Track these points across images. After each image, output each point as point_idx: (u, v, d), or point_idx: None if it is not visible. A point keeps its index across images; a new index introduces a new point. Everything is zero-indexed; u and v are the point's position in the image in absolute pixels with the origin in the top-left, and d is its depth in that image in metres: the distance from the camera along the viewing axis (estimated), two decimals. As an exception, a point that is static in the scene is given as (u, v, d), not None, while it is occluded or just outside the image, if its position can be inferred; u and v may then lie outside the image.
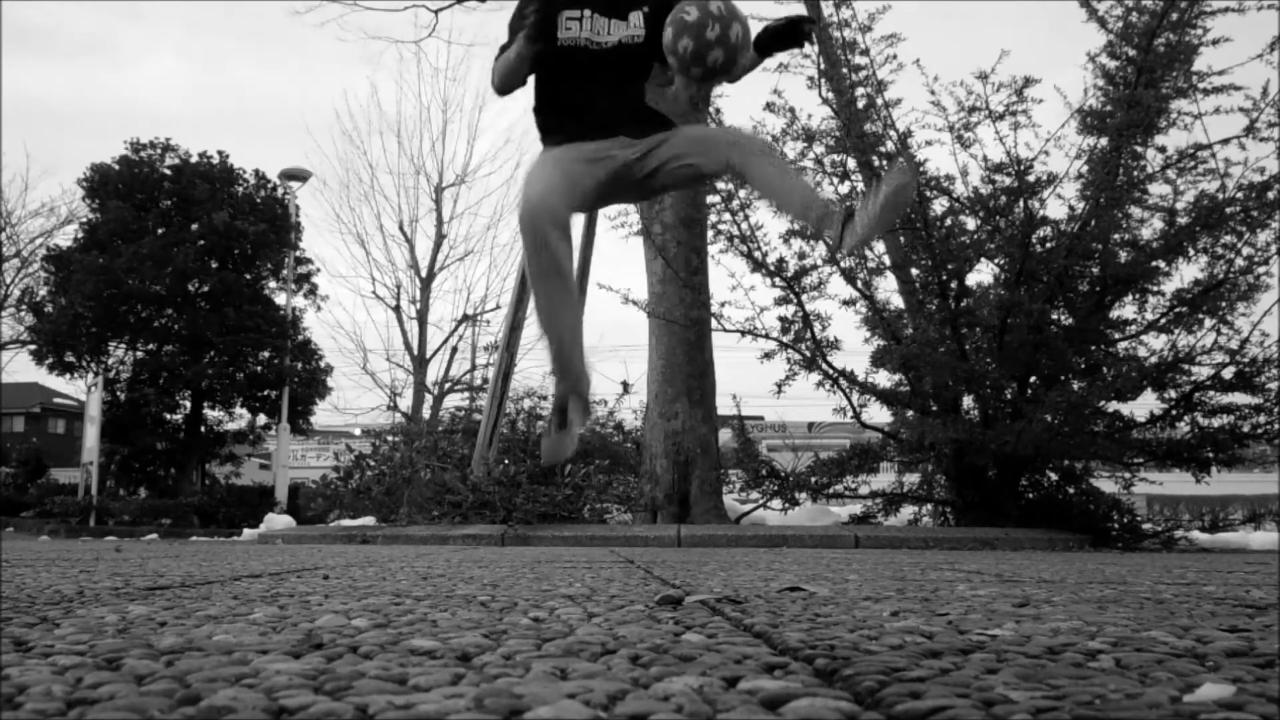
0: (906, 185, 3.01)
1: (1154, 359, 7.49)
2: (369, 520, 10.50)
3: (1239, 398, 7.43)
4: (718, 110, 8.55)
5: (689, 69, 3.21)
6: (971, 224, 7.80)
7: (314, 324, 67.94)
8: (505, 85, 3.57)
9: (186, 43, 65.52)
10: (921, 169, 7.63)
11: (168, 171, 21.19)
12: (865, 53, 7.78)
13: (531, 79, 3.71)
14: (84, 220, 21.43)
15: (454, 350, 26.33)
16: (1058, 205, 10.53)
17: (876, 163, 7.71)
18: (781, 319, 7.91)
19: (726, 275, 8.69)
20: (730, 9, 3.18)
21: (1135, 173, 7.47)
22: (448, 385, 25.88)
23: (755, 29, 3.31)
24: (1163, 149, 7.46)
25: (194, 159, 21.39)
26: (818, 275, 7.87)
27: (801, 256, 7.87)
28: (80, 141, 62.23)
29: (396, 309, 25.91)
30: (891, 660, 0.90)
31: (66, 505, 17.79)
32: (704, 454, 8.19)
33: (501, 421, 9.79)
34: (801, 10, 8.39)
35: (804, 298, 7.85)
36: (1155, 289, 7.52)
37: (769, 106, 7.78)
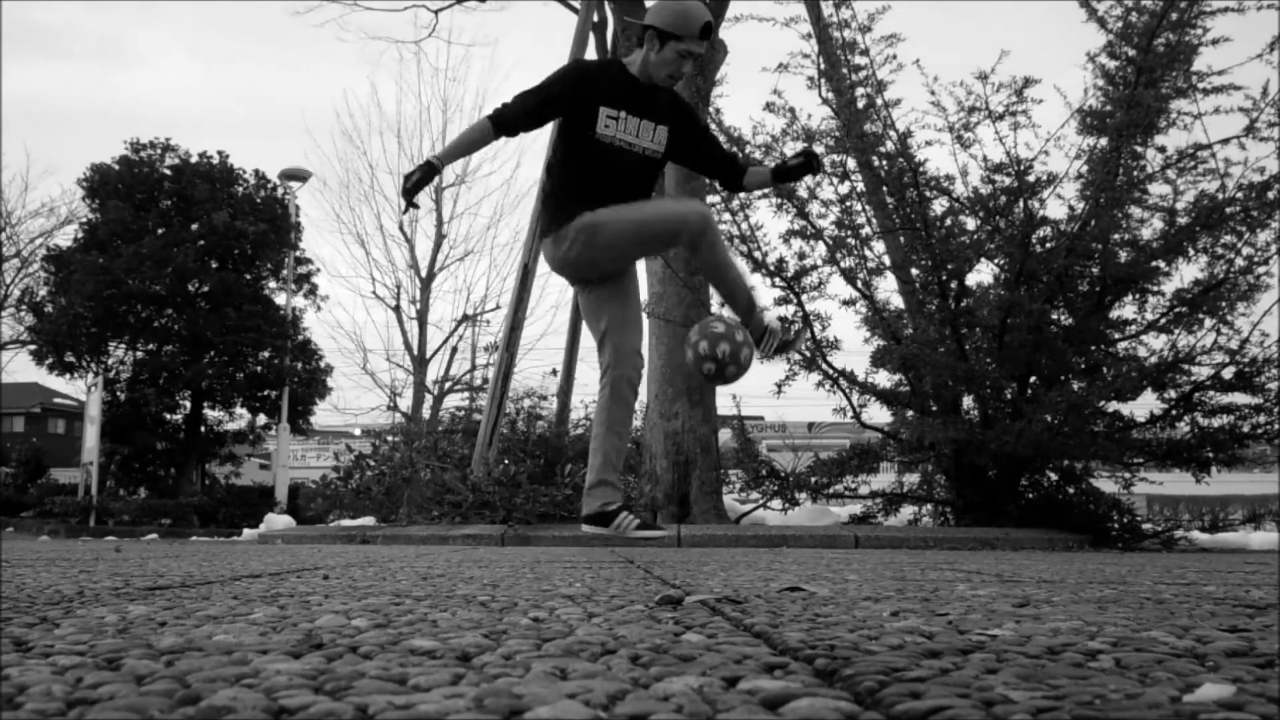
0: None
1: (1154, 359, 7.49)
2: (369, 520, 10.51)
3: (1239, 398, 7.43)
4: (718, 110, 8.56)
5: (703, 370, 3.64)
6: (971, 224, 7.80)
7: (314, 324, 68.03)
8: (464, 148, 3.85)
9: (189, 44, 65.57)
10: (921, 169, 7.64)
11: (168, 171, 21.20)
12: (865, 53, 7.79)
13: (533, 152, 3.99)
14: (84, 220, 21.44)
15: (454, 350, 26.36)
16: (1058, 205, 10.55)
17: (876, 163, 7.72)
18: (781, 319, 7.90)
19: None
20: (738, 343, 3.62)
21: (1135, 173, 7.47)
22: (448, 385, 25.90)
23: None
24: (1163, 149, 7.46)
25: (194, 159, 21.40)
26: (818, 275, 7.87)
27: (801, 256, 7.88)
28: (81, 141, 62.27)
29: (396, 309, 25.94)
30: (891, 660, 0.90)
31: (66, 505, 17.79)
32: (704, 454, 8.19)
33: (501, 421, 9.79)
34: (802, 11, 8.39)
35: (804, 298, 7.86)
36: (1155, 289, 7.52)
37: (769, 106, 7.79)
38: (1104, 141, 7.42)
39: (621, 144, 3.72)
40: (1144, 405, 7.78)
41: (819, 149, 7.84)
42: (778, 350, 3.84)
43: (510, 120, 3.76)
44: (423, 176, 3.69)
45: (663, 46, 3.66)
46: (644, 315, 4.19)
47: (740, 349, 3.60)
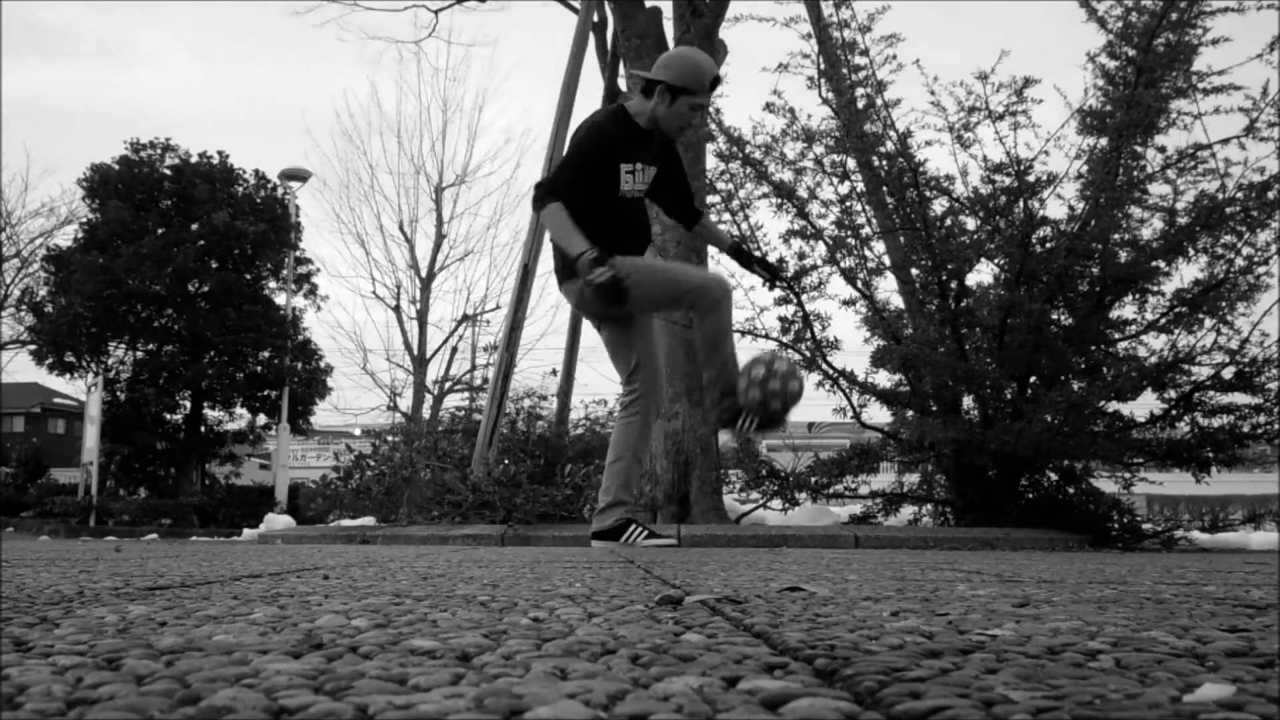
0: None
1: (1154, 359, 7.49)
2: (369, 520, 10.51)
3: (1239, 398, 7.44)
4: (718, 110, 8.56)
5: (751, 411, 3.74)
6: (971, 224, 7.80)
7: (314, 324, 67.94)
8: (564, 234, 3.79)
9: (190, 44, 65.55)
10: (921, 169, 7.64)
11: (168, 171, 21.19)
12: (865, 53, 7.79)
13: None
14: (84, 220, 21.44)
15: (454, 350, 26.38)
16: (1058, 205, 10.54)
17: (876, 163, 7.72)
18: (781, 319, 7.91)
19: (726, 275, 8.68)
20: (785, 376, 3.69)
21: (1135, 173, 7.47)
22: (448, 385, 25.91)
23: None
24: (1163, 149, 7.46)
25: (194, 159, 21.39)
26: (818, 275, 7.87)
27: (801, 256, 7.88)
28: (81, 141, 62.26)
29: (396, 309, 25.96)
30: (891, 660, 0.90)
31: (66, 505, 17.78)
32: (704, 454, 8.18)
33: (501, 421, 9.79)
34: (802, 11, 8.39)
35: (804, 298, 7.86)
36: (1155, 289, 7.52)
37: (769, 107, 7.79)
38: (1104, 141, 7.43)
39: (636, 194, 3.81)
40: (1144, 405, 7.79)
41: (818, 149, 7.85)
42: (760, 427, 3.86)
43: (560, 192, 3.79)
44: (605, 265, 3.60)
45: (674, 100, 3.73)
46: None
47: (794, 374, 3.77)
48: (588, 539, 4.18)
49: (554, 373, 11.67)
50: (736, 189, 7.91)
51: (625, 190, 3.78)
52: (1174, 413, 7.58)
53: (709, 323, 3.77)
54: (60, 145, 61.63)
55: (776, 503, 8.52)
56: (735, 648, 0.98)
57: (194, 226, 20.46)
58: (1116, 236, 7.49)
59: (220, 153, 21.51)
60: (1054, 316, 7.56)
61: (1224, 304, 7.27)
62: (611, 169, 3.77)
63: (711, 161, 8.33)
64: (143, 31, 71.25)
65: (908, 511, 8.52)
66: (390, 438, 13.11)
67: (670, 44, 8.98)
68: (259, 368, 20.75)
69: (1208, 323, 7.37)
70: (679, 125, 3.83)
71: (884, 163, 7.69)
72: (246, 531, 12.04)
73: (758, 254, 4.13)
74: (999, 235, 7.53)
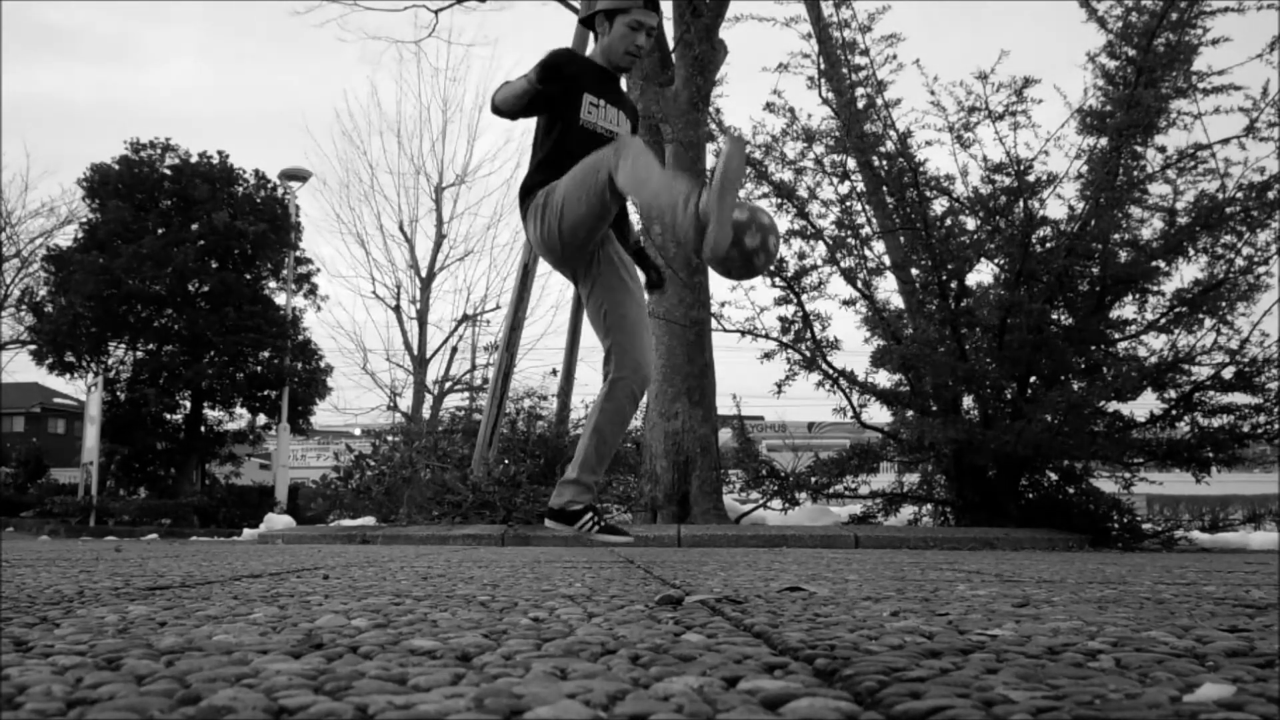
0: (734, 154, 3.07)
1: (1154, 359, 7.49)
2: (369, 520, 10.51)
3: (1239, 398, 7.44)
4: (718, 110, 8.56)
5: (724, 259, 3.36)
6: (971, 224, 7.80)
7: (314, 324, 67.96)
8: (506, 107, 3.70)
9: (192, 45, 65.56)
10: (921, 169, 7.64)
11: (168, 171, 21.18)
12: (865, 53, 7.80)
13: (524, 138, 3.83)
14: (84, 220, 21.42)
15: (454, 350, 26.35)
16: (1058, 205, 10.56)
17: (876, 163, 7.72)
18: (781, 319, 7.91)
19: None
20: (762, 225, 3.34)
21: (1135, 173, 7.47)
22: (448, 385, 25.90)
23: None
24: (1163, 149, 7.47)
25: (194, 159, 21.37)
26: (818, 275, 7.87)
27: (801, 256, 7.88)
28: (81, 141, 62.23)
29: (396, 309, 25.94)
30: (891, 660, 0.90)
31: (66, 505, 17.78)
32: (704, 454, 8.18)
33: (501, 421, 9.80)
34: (802, 11, 8.39)
35: (804, 298, 7.86)
36: (1155, 289, 7.52)
37: (769, 106, 7.79)
38: (1104, 141, 7.43)
39: (603, 131, 3.74)
40: (1144, 405, 7.80)
41: (818, 149, 7.85)
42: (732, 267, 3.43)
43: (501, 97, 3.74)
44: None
45: (612, 25, 3.72)
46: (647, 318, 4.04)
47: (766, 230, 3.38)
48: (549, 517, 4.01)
49: (554, 373, 11.67)
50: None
51: (586, 121, 3.71)
52: (1174, 413, 7.58)
53: (621, 182, 3.41)
54: (60, 145, 61.57)
55: (776, 503, 8.52)
56: (735, 648, 0.98)
57: (194, 226, 20.44)
58: (1116, 236, 7.49)
59: (220, 153, 21.51)
60: (1054, 316, 7.56)
61: (1224, 304, 7.27)
62: (573, 94, 3.71)
63: (711, 161, 8.33)
64: (144, 32, 71.20)
65: (908, 511, 8.52)
66: (390, 438, 13.11)
67: (670, 44, 8.98)
68: (259, 368, 20.74)
69: (1208, 323, 7.38)
70: (624, 50, 3.75)
71: (884, 163, 7.69)
72: (246, 531, 12.03)
73: (646, 260, 3.92)
74: (999, 235, 7.53)
